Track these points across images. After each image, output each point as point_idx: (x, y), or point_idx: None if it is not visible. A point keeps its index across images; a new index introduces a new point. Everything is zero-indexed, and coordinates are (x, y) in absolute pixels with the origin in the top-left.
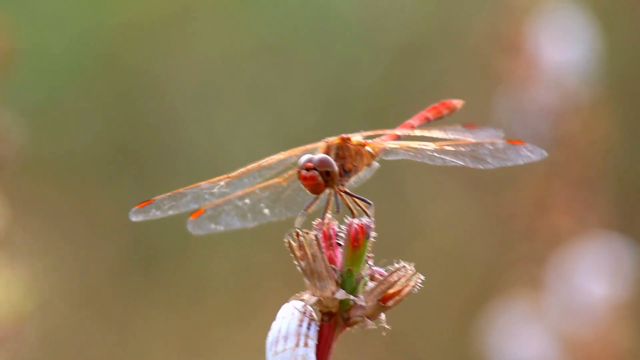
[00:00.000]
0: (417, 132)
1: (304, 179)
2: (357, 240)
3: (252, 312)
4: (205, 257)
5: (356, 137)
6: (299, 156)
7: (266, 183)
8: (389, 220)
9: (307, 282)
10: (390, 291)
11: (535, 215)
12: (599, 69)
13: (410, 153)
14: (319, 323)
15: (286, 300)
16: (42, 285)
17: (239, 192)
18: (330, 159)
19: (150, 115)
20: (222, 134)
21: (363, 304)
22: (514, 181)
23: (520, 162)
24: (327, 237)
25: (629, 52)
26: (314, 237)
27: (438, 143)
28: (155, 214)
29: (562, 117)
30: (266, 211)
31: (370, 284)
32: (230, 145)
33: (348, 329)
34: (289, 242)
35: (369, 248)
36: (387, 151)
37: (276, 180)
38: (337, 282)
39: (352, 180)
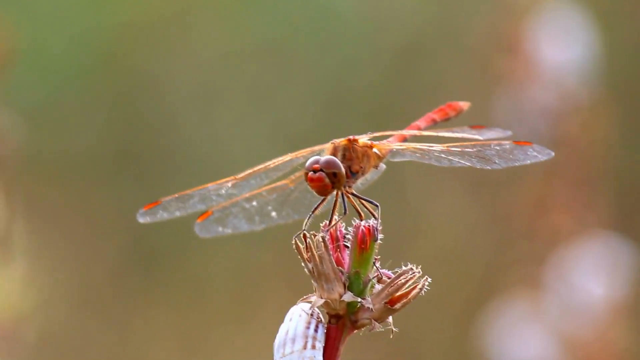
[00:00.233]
0: (425, 133)
1: (311, 180)
2: (364, 242)
3: (252, 312)
4: (205, 257)
5: (363, 139)
6: (306, 157)
7: (273, 185)
8: (390, 220)
9: (314, 284)
10: (398, 294)
11: (535, 215)
12: (599, 69)
13: (417, 155)
14: (326, 325)
15: (287, 301)
16: (42, 285)
17: (246, 194)
18: (337, 160)
19: (150, 115)
20: (222, 133)
21: (370, 306)
22: (514, 181)
23: (528, 162)
24: (335, 239)
25: (629, 52)
26: (321, 239)
27: (446, 144)
28: (163, 215)
29: (562, 117)
30: (274, 214)
31: (378, 287)
32: (230, 145)
33: (355, 331)
34: (297, 244)
35: (376, 250)
36: (393, 153)
37: (283, 182)
38: (344, 285)
39: (359, 182)
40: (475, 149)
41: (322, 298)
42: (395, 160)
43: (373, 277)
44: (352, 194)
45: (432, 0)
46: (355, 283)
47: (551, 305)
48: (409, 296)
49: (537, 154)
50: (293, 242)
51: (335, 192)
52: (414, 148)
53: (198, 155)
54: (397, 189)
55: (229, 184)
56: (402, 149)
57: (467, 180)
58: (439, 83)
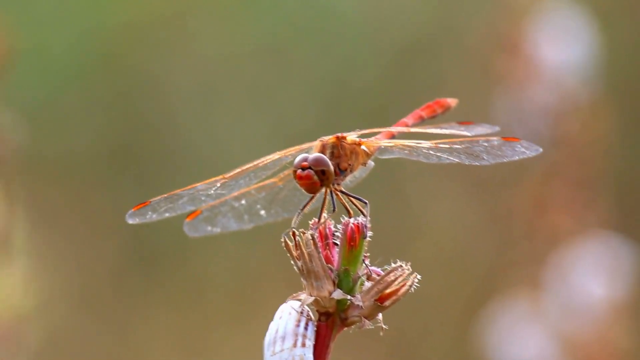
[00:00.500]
0: (413, 130)
1: (299, 178)
2: (353, 239)
3: (252, 312)
4: (205, 257)
5: (351, 136)
6: (295, 156)
7: (262, 183)
8: (390, 220)
9: (303, 282)
10: (387, 291)
11: (534, 216)
12: (598, 69)
13: (405, 151)
14: (316, 323)
15: (284, 300)
16: (42, 285)
17: (235, 193)
18: (326, 158)
19: (150, 115)
20: (222, 133)
21: (360, 303)
22: (514, 181)
23: (516, 157)
24: (324, 237)
25: (629, 52)
26: (310, 237)
27: (433, 141)
28: (152, 216)
29: (562, 117)
30: (262, 212)
31: (367, 284)
32: (230, 145)
33: (345, 329)
34: (286, 242)
35: (365, 247)
36: (382, 150)
37: (272, 180)
38: (334, 282)
39: (348, 179)
40: (463, 146)
41: (311, 296)
42: (384, 157)
43: (362, 275)
44: (341, 192)
45: (432, 0)
46: (344, 280)
47: (551, 305)
48: (399, 293)
49: (525, 150)
50: (282, 240)
51: (324, 190)
52: (402, 145)
53: (198, 155)
54: (397, 189)
55: (218, 184)
56: (390, 146)
57: (467, 180)
58: (439, 83)
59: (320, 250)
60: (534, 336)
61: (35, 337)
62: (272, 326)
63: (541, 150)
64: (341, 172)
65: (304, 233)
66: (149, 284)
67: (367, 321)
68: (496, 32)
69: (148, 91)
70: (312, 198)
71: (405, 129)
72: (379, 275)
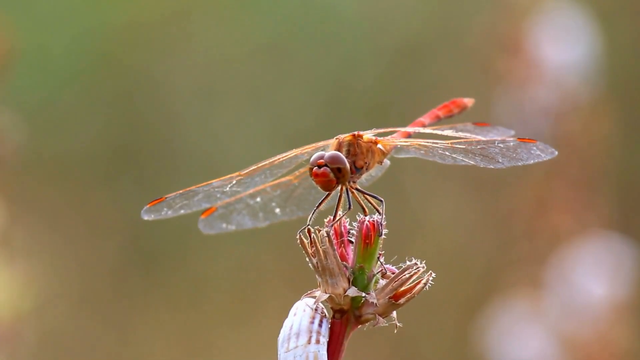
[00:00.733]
0: (429, 130)
1: (315, 175)
2: (368, 237)
3: (252, 312)
4: (205, 257)
5: (368, 135)
6: (311, 154)
7: (277, 181)
8: (389, 220)
9: (318, 279)
10: (402, 288)
11: (535, 215)
12: (599, 69)
13: (421, 151)
14: (330, 320)
15: (287, 300)
16: (41, 285)
17: (251, 190)
18: (342, 155)
19: (150, 115)
20: (222, 133)
21: (375, 301)
22: (514, 181)
23: (531, 161)
24: (339, 234)
25: (629, 52)
26: (325, 234)
27: (449, 141)
28: (167, 213)
29: (562, 117)
30: (277, 210)
31: (382, 282)
32: (230, 144)
33: (360, 326)
34: (301, 239)
35: (380, 245)
36: (398, 149)
37: (287, 177)
38: (348, 279)
39: (364, 178)
40: (479, 147)
41: (326, 293)
42: (400, 156)
43: (377, 272)
44: (357, 189)
45: (432, 0)
46: (359, 278)
47: (551, 305)
48: (413, 291)
49: (541, 153)
50: (297, 237)
51: (339, 188)
52: (418, 145)
53: (198, 155)
54: (397, 189)
55: (234, 181)
56: (407, 145)
57: (468, 180)
58: (439, 83)
59: (336, 247)
60: (534, 336)
61: (35, 337)
62: (287, 323)
63: (556, 153)
64: (357, 170)
65: (319, 230)
66: (149, 284)
67: (381, 319)
68: (497, 32)
69: (148, 91)
70: (327, 195)
71: (421, 129)
72: (393, 273)
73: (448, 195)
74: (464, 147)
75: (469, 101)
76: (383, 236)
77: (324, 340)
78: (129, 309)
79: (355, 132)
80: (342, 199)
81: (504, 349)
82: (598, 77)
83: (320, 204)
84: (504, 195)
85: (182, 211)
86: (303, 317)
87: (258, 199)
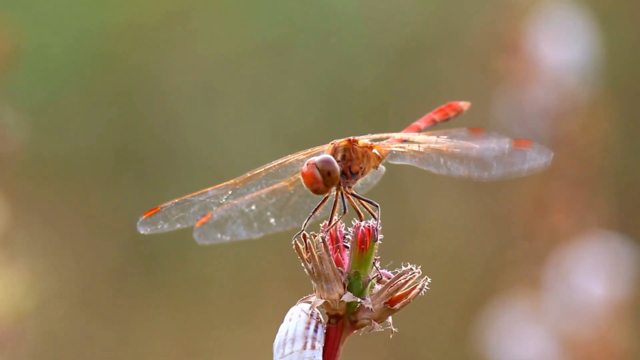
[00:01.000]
0: (424, 135)
1: (303, 175)
2: (364, 242)
3: (252, 313)
4: (205, 257)
5: (363, 140)
6: (305, 160)
7: (272, 187)
8: (389, 220)
9: (314, 284)
10: (398, 294)
11: (534, 215)
12: (598, 69)
13: (416, 159)
14: (326, 326)
15: (287, 301)
16: (42, 285)
17: (246, 197)
18: (332, 159)
19: (150, 115)
20: (222, 133)
21: (370, 306)
22: (514, 181)
23: (526, 166)
24: (334, 240)
25: (628, 52)
26: (321, 240)
27: (445, 145)
28: (163, 226)
29: (561, 117)
30: (272, 220)
31: (378, 287)
32: (230, 144)
33: (355, 331)
34: (296, 244)
35: (376, 250)
36: (393, 155)
37: (282, 184)
38: (344, 285)
39: (359, 183)
40: (475, 152)
41: (321, 298)
42: (396, 162)
43: (373, 278)
44: (352, 195)
45: (432, 0)
46: (355, 283)
47: (551, 305)
48: (409, 296)
49: (536, 156)
50: (293, 242)
51: (335, 193)
52: (414, 151)
53: (198, 155)
54: (397, 189)
55: (230, 192)
56: (402, 151)
57: (466, 181)
58: (439, 83)
59: (331, 252)
60: (534, 336)
61: (35, 337)
62: (282, 328)
63: (549, 162)
64: (352, 175)
65: (314, 235)
66: (150, 284)
67: (377, 324)
68: (496, 32)
69: (148, 91)
70: (323, 201)
71: (417, 134)
72: (389, 278)
73: (447, 196)
74: (459, 152)
75: (465, 104)
76: (379, 241)
77: (319, 345)
78: (129, 309)
79: (351, 137)
80: (338, 204)
81: (504, 349)
82: (597, 77)
83: (315, 210)
84: (503, 195)
85: (178, 225)
86: (298, 323)
87: (253, 207)
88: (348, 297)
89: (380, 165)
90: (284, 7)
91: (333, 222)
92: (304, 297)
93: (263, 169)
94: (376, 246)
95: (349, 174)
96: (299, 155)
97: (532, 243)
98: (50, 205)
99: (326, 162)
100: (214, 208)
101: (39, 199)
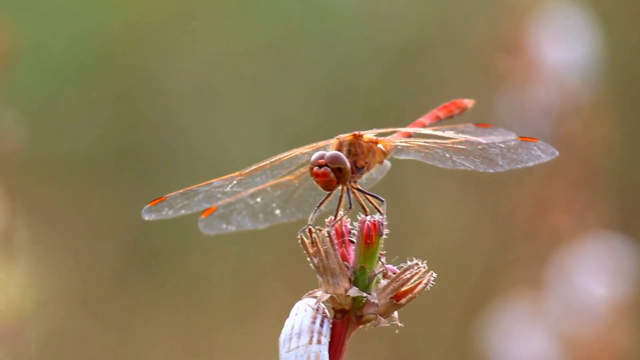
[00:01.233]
0: (429, 131)
1: (316, 175)
2: (369, 237)
3: (252, 312)
4: (206, 257)
5: (368, 134)
6: (311, 154)
7: (278, 180)
8: (390, 219)
9: (319, 279)
10: (404, 289)
11: (535, 215)
12: (600, 69)
13: (421, 154)
14: (331, 320)
15: (287, 301)
16: (42, 285)
17: (251, 190)
18: (342, 155)
19: (150, 115)
20: (222, 133)
21: (376, 301)
22: (515, 181)
23: (531, 163)
24: (340, 234)
25: (630, 52)
26: (326, 234)
27: (450, 141)
28: (168, 213)
29: (563, 117)
30: (277, 212)
31: (383, 282)
32: (230, 145)
33: (361, 326)
34: (302, 239)
35: (381, 245)
36: (398, 150)
37: (288, 177)
38: (350, 279)
39: (364, 178)
40: (479, 147)
41: (327, 293)
42: (400, 157)
43: (378, 272)
44: (358, 189)
45: (432, 0)
46: (360, 278)
47: (552, 305)
48: (415, 291)
49: (541, 154)
50: (299, 237)
51: (340, 188)
52: (419, 146)
53: (198, 155)
54: (397, 189)
55: (235, 181)
56: (407, 146)
57: (468, 179)
58: (439, 83)
59: (337, 247)
60: (535, 336)
61: (35, 337)
62: (288, 323)
63: (557, 153)
64: (358, 169)
65: (320, 230)
66: (150, 284)
67: (382, 319)
68: (497, 32)
69: (148, 91)
70: (328, 195)
71: (422, 129)
72: (395, 273)
73: (448, 195)
74: (464, 147)
75: (469, 102)
76: (384, 236)
77: (325, 340)
78: (129, 309)
79: (356, 132)
80: (343, 199)
81: (504, 349)
82: (598, 77)
83: (321, 203)
84: (504, 195)
85: (182, 211)
86: (304, 317)
87: (258, 199)
88: (354, 291)
89: (386, 161)
90: (284, 7)
91: (338, 217)
92: (310, 292)
93: (268, 162)
94: (382, 241)
95: (355, 168)
96: (304, 149)
97: (533, 243)
98: (50, 205)
99: (337, 158)
100: (219, 196)
101: (39, 199)
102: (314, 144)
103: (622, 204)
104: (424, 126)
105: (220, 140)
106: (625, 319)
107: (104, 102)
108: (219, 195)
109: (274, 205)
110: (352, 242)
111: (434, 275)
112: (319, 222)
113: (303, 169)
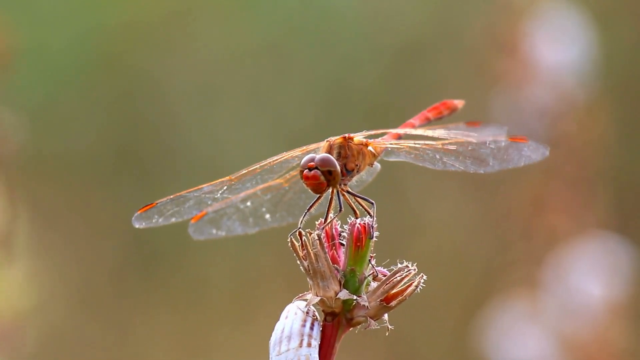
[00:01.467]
0: (420, 131)
1: (306, 178)
2: (360, 240)
3: (252, 313)
4: (205, 257)
5: (358, 137)
6: (301, 157)
7: (268, 184)
8: (388, 219)
9: (310, 282)
10: (393, 291)
11: (533, 216)
12: (596, 69)
13: (412, 155)
14: (322, 323)
15: (286, 301)
16: (42, 285)
17: (241, 194)
18: (332, 158)
19: (150, 115)
20: (222, 133)
21: (366, 304)
22: (513, 181)
23: (521, 163)
24: (330, 237)
25: (626, 53)
26: (316, 237)
27: (440, 142)
28: (158, 221)
29: (559, 117)
30: (267, 216)
31: (373, 284)
32: (230, 145)
33: (351, 329)
34: (292, 242)
35: (371, 248)
36: (388, 152)
37: (278, 181)
38: (340, 282)
39: (354, 180)
40: (470, 148)
41: (317, 296)
42: (391, 159)
43: (368, 275)
44: (348, 192)
45: (432, 1)
46: (350, 281)
47: (550, 305)
48: (405, 293)
49: (531, 154)
50: (289, 240)
51: (330, 190)
52: (409, 147)
53: (198, 155)
54: (396, 189)
55: (225, 187)
56: (397, 148)
57: (466, 180)
58: (438, 83)
59: (327, 250)
60: (533, 336)
61: (35, 336)
62: (278, 326)
63: (547, 153)
64: (348, 172)
65: (310, 233)
66: (149, 285)
67: (372, 321)
68: (494, 33)
69: (148, 91)
70: (318, 198)
71: (412, 130)
72: (385, 275)
73: (447, 195)
74: (454, 148)
75: (459, 103)
76: (374, 239)
77: (315, 343)
78: (129, 309)
79: (346, 135)
80: (333, 202)
81: (503, 349)
82: (595, 77)
83: (311, 207)
84: (502, 195)
85: (173, 219)
86: (294, 320)
87: (248, 203)
88: (344, 294)
89: (376, 163)
90: (284, 7)
91: (329, 220)
92: (300, 295)
93: (258, 166)
94: (372, 244)
95: (345, 171)
96: (295, 152)
97: (531, 243)
98: (50, 205)
99: (327, 161)
100: (210, 203)
101: (39, 199)
102: (305, 147)
103: (619, 204)
104: (413, 127)
105: (220, 140)
106: (622, 319)
107: (104, 102)
108: (209, 202)
109: (264, 209)
110: (342, 244)
111: (424, 277)
112: (309, 225)
113: (293, 172)
